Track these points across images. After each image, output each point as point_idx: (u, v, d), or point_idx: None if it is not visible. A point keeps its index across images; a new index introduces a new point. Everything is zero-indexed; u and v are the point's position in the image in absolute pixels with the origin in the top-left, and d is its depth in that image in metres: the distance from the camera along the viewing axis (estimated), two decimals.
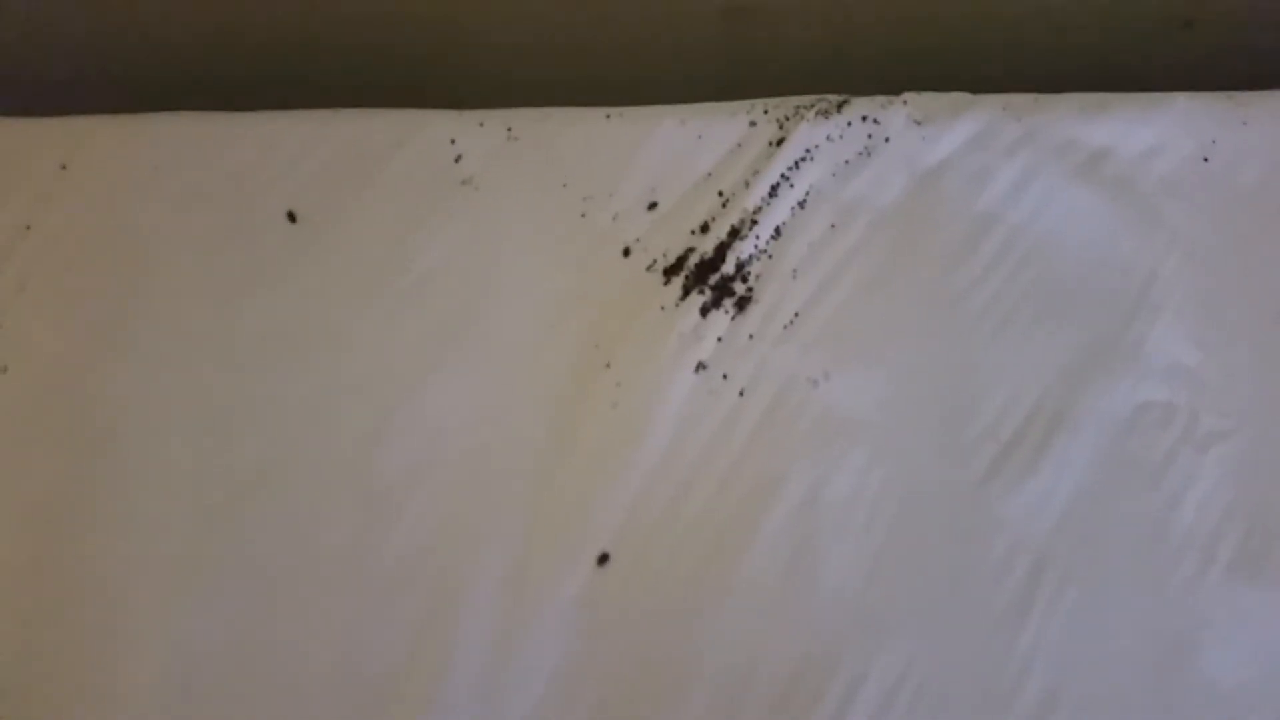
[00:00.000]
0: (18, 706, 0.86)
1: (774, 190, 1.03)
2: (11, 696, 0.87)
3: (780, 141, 1.05)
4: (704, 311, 0.98)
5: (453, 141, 1.06)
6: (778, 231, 1.02)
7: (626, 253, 1.02)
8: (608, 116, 1.08)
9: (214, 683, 0.86)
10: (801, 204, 1.03)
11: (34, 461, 0.94)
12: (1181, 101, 1.06)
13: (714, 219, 1.03)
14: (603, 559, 0.89)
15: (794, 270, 1.00)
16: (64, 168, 1.05)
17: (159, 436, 0.94)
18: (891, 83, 1.12)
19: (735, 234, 1.01)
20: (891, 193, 1.03)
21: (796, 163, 1.04)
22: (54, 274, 1.00)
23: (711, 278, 1.00)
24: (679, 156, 1.05)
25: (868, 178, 1.04)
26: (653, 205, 1.03)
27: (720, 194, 1.04)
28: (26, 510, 0.92)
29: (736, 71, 1.30)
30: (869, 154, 1.05)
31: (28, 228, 1.02)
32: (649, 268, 1.01)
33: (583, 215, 1.03)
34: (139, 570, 0.90)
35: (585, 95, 1.12)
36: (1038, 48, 1.32)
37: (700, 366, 0.96)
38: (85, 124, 1.07)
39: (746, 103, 1.09)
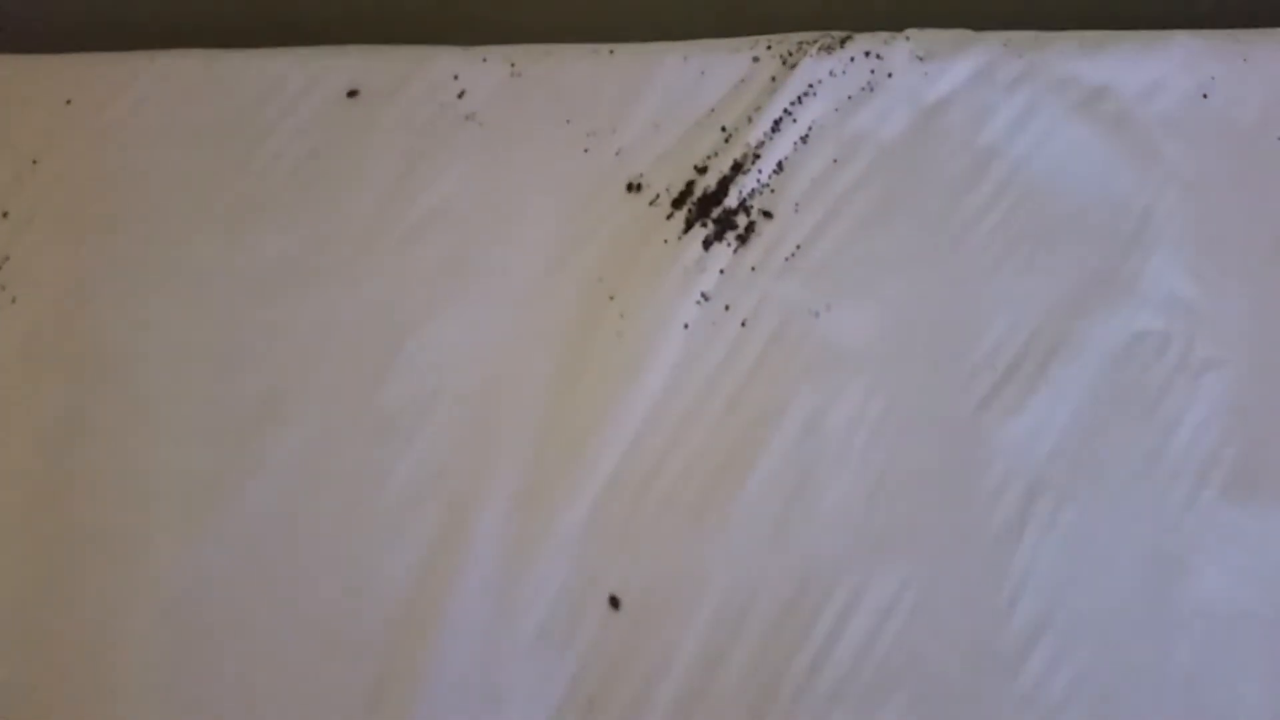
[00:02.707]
0: (33, 626, 0.88)
1: (777, 125, 1.03)
2: (26, 616, 0.88)
3: (783, 77, 1.05)
4: (706, 244, 0.99)
5: (456, 77, 1.07)
6: (780, 166, 1.02)
7: (630, 187, 1.03)
8: (611, 52, 1.08)
9: (227, 603, 0.88)
10: (804, 139, 1.03)
11: (44, 390, 0.95)
12: (1181, 39, 1.07)
13: (717, 154, 1.04)
14: (609, 485, 0.90)
15: (796, 204, 1.01)
16: (69, 103, 1.05)
17: (168, 365, 0.96)
18: (895, 20, 1.12)
19: (738, 168, 1.02)
20: (894, 128, 1.04)
21: (799, 98, 1.05)
22: (61, 207, 1.01)
23: (714, 211, 1.01)
24: (682, 92, 1.06)
25: (870, 113, 1.05)
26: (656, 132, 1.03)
27: (723, 129, 1.04)
28: (38, 437, 0.93)
29: (737, 9, 1.29)
30: (871, 89, 1.06)
31: (34, 162, 1.03)
32: (653, 202, 1.02)
33: (586, 150, 1.04)
34: (151, 493, 0.91)
35: (588, 34, 1.12)
36: None
37: (703, 298, 0.97)
38: (90, 61, 1.08)
39: (749, 39, 1.10)
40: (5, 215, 1.01)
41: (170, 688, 0.86)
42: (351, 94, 1.06)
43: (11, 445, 0.94)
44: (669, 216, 1.01)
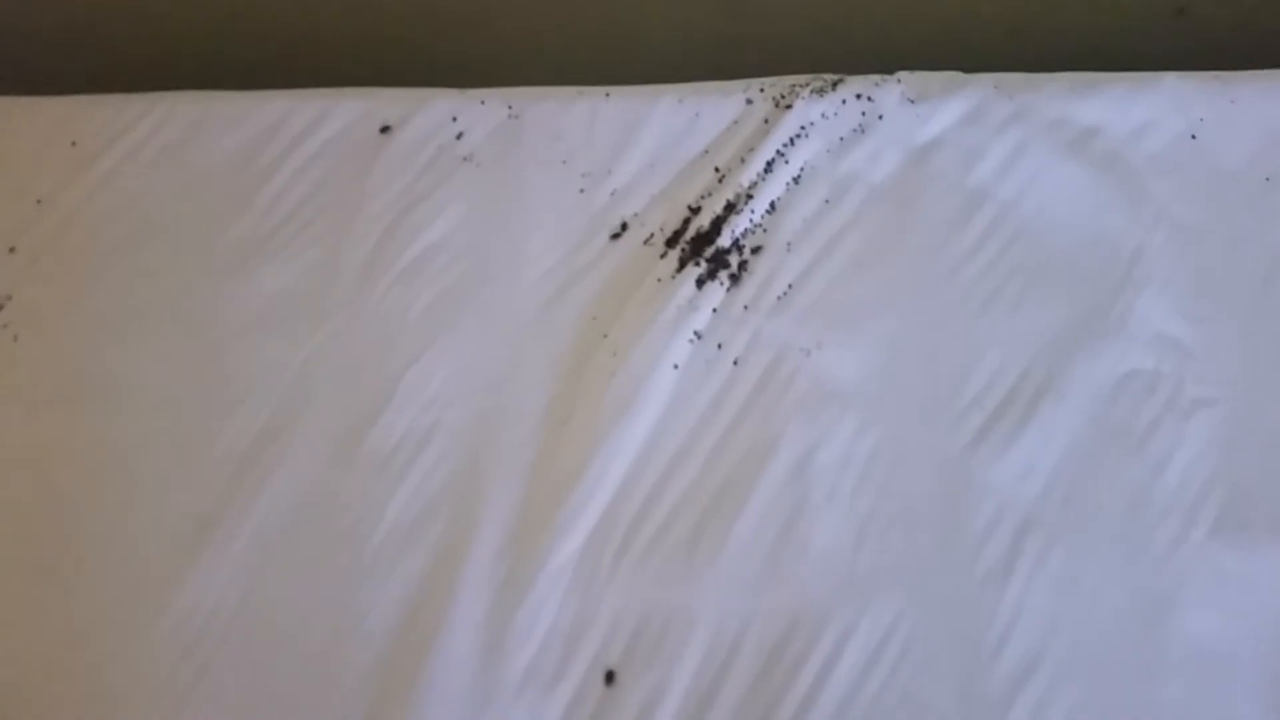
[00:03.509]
0: (32, 663, 0.88)
1: (769, 166, 1.05)
2: (25, 651, 0.89)
3: (776, 119, 1.07)
4: (699, 283, 1.00)
5: (454, 119, 1.09)
6: (772, 206, 1.04)
7: (624, 227, 1.04)
8: (607, 95, 1.10)
9: (222, 639, 0.88)
10: (796, 179, 1.05)
11: (44, 427, 0.96)
12: (1171, 80, 1.08)
13: (710, 194, 1.05)
14: (600, 523, 0.91)
15: (788, 243, 1.02)
16: (74, 145, 1.07)
17: (166, 403, 0.97)
18: (886, 63, 1.14)
19: (731, 209, 1.04)
20: (885, 169, 1.05)
21: (792, 139, 1.06)
22: (65, 247, 1.03)
23: (707, 250, 1.02)
24: (677, 134, 1.08)
25: (862, 154, 1.06)
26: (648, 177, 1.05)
27: (717, 170, 1.06)
28: (36, 472, 0.94)
29: (731, 53, 1.32)
30: (863, 131, 1.07)
31: (39, 202, 1.05)
32: (646, 241, 1.04)
33: (581, 191, 1.06)
34: (147, 529, 0.92)
35: (584, 77, 1.14)
36: (1031, 33, 1.34)
37: (696, 336, 0.98)
38: (93, 102, 1.10)
39: (743, 82, 1.12)
40: (12, 250, 1.03)
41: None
42: (352, 134, 1.08)
43: (10, 480, 0.95)
44: (662, 256, 1.03)
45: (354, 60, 1.24)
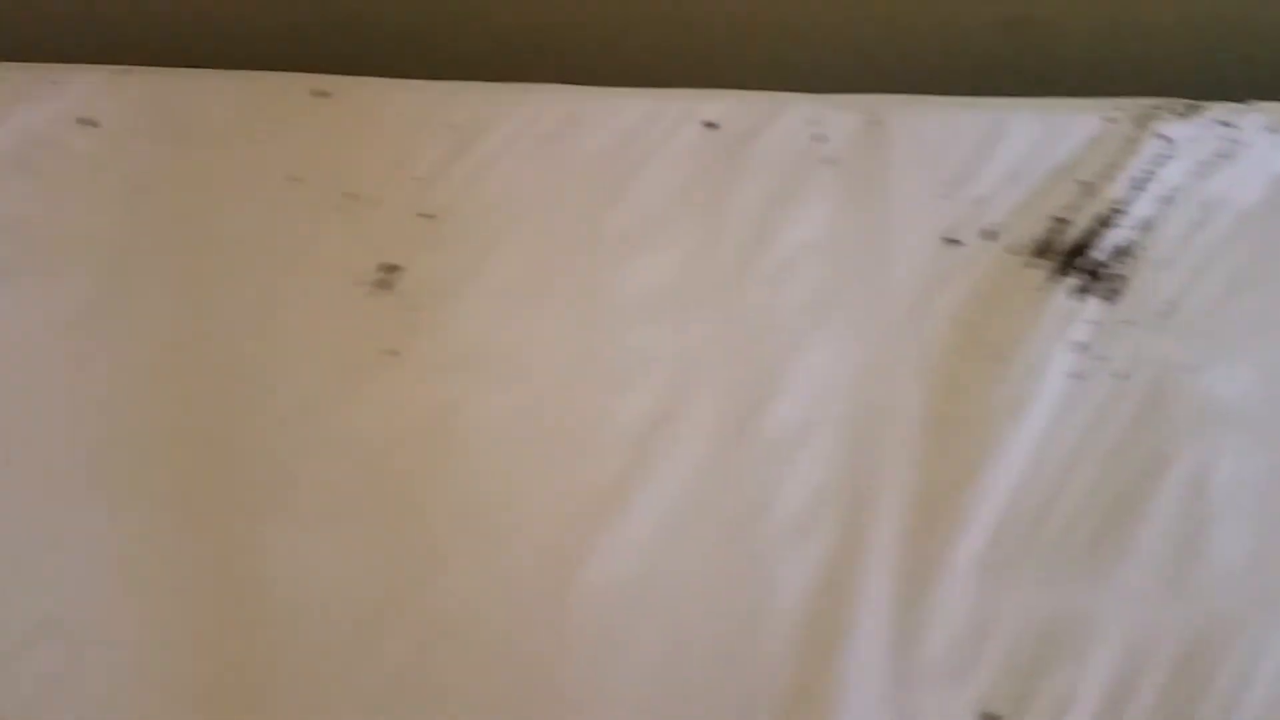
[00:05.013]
0: (425, 639, 0.90)
1: (1137, 184, 1.06)
2: (421, 627, 0.91)
3: (1139, 138, 1.08)
4: (1075, 295, 1.01)
5: (815, 122, 1.11)
6: (1143, 223, 1.04)
7: (990, 235, 1.05)
8: (965, 105, 1.11)
9: (630, 613, 0.90)
10: (1165, 198, 1.05)
11: (441, 396, 0.99)
12: None
13: (1077, 207, 1.06)
14: (1001, 521, 0.91)
15: (1163, 261, 1.02)
16: (451, 128, 1.11)
17: (558, 378, 1.00)
18: (1185, 92, 1.14)
19: (1102, 223, 1.04)
20: (1253, 194, 1.06)
21: (1157, 159, 1.07)
22: (450, 224, 1.06)
23: (1080, 263, 1.03)
24: (1038, 146, 1.09)
25: (1228, 178, 1.07)
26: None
27: (1082, 184, 1.07)
28: (435, 441, 0.97)
29: (1015, 79, 1.33)
30: (1227, 156, 1.08)
31: (419, 179, 1.09)
32: (1013, 250, 1.04)
33: (944, 197, 1.07)
34: (547, 500, 0.95)
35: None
36: None
37: (1076, 348, 0.98)
38: (466, 89, 1.14)
39: (1098, 100, 1.13)
40: (399, 224, 1.06)
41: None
42: (711, 128, 1.10)
43: (408, 448, 0.97)
44: (1031, 265, 1.03)
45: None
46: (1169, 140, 1.07)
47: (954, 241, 1.05)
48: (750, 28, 1.32)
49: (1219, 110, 1.11)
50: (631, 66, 1.18)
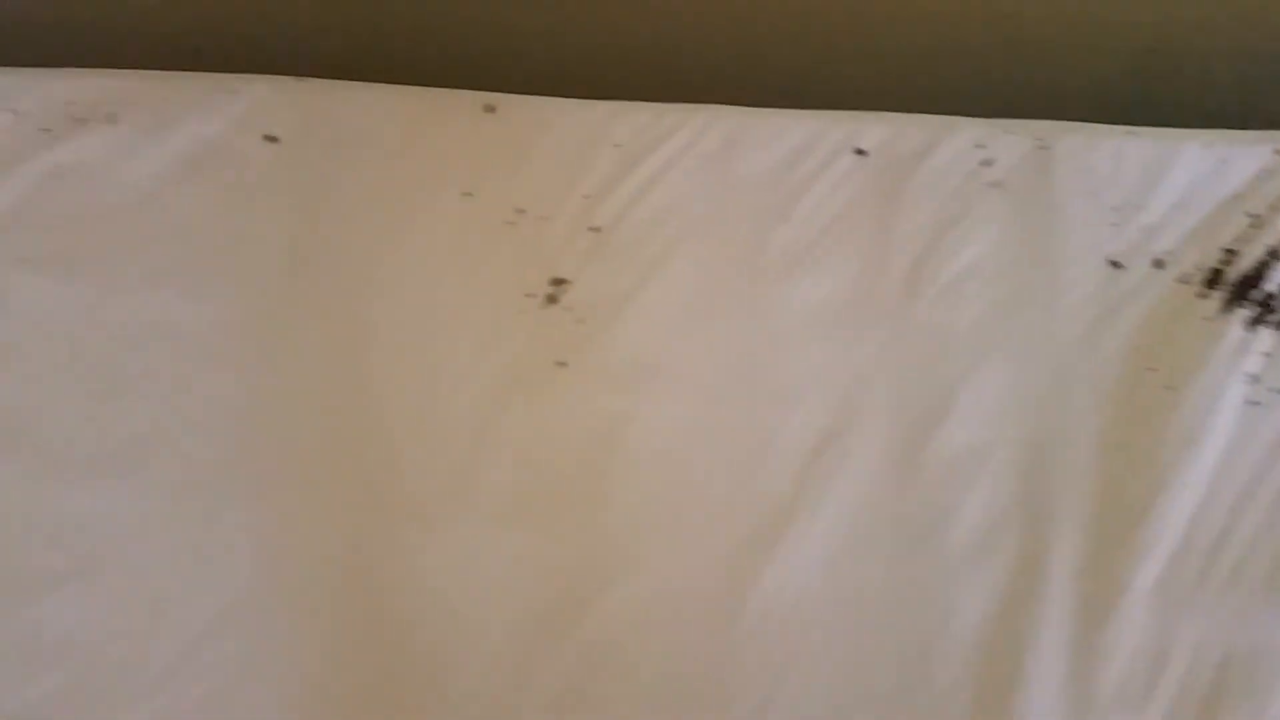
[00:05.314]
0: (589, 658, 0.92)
1: None
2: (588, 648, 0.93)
3: None
4: (1247, 327, 1.00)
5: (981, 146, 1.11)
6: None
7: (1159, 264, 1.05)
8: (1131, 134, 1.11)
9: (807, 626, 0.91)
10: None
11: (608, 408, 1.01)
12: None
13: (1247, 239, 1.05)
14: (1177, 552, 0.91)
15: None
16: (617, 146, 1.13)
17: (725, 394, 1.02)
18: None
19: (1274, 255, 1.03)
20: None
21: None
22: (617, 239, 1.09)
23: (1253, 294, 1.02)
24: (1204, 177, 1.09)
25: None
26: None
27: (1252, 215, 1.06)
28: (599, 455, 0.99)
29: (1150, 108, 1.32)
30: None
31: (586, 197, 1.11)
32: (1183, 280, 1.04)
33: (1113, 225, 1.07)
34: (716, 514, 0.96)
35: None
36: None
37: (1249, 379, 0.98)
38: (632, 109, 1.16)
39: (1267, 133, 1.12)
40: (567, 239, 1.09)
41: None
42: (860, 153, 1.11)
43: (573, 461, 0.99)
44: (1202, 295, 1.03)
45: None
46: None
47: (1122, 267, 1.05)
48: (903, 54, 1.33)
49: None
50: (791, 88, 1.19)
